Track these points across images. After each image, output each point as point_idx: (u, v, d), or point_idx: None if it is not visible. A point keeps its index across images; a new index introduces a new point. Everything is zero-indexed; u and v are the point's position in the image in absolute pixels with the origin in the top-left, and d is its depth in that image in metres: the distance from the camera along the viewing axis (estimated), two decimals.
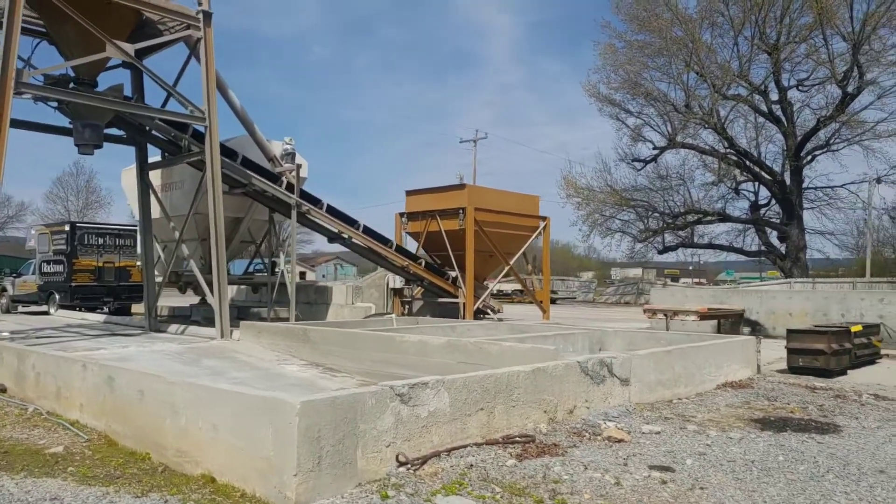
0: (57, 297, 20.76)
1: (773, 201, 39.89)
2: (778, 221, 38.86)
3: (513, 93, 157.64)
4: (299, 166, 15.07)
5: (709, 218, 38.56)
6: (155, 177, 17.65)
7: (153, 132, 13.32)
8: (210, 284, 12.87)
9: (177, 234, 14.16)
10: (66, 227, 20.84)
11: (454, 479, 4.52)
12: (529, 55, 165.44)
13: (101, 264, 21.06)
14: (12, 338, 11.88)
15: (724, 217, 38.32)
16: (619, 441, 5.63)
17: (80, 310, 20.39)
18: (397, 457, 4.70)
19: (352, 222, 16.21)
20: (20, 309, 22.92)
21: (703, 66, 35.78)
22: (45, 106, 12.38)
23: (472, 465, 4.86)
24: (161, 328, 14.43)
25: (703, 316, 13.83)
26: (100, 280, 21.01)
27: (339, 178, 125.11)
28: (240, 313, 16.98)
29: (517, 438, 5.50)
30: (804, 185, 37.81)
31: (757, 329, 16.46)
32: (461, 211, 17.67)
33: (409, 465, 4.66)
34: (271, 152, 15.54)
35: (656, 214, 39.65)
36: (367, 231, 16.61)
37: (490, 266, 19.54)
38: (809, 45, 34.80)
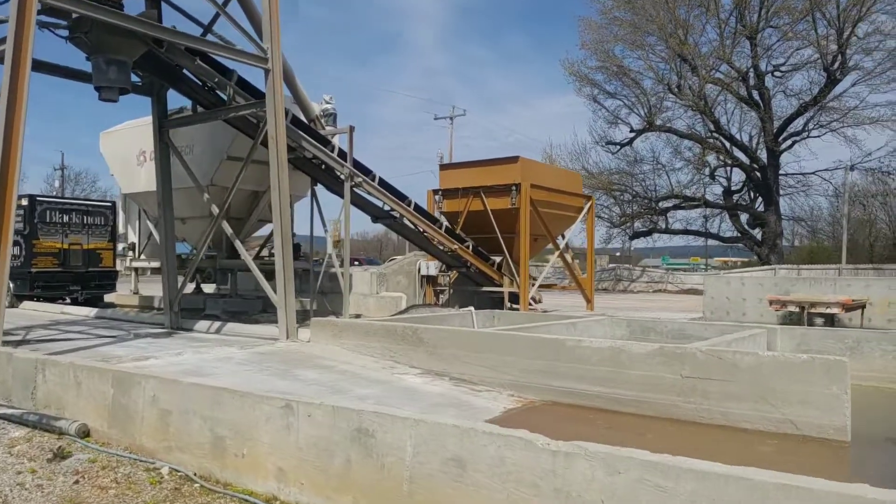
0: (12, 285, 17.18)
1: (745, 187, 39.76)
2: (753, 207, 38.70)
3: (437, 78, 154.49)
4: (352, 128, 12.48)
5: (689, 203, 37.90)
6: (148, 141, 14.61)
7: (187, 77, 10.44)
8: (268, 275, 10.24)
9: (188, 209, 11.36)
10: (24, 202, 17.24)
11: None
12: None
13: (66, 246, 17.61)
14: (16, 342, 8.90)
15: (705, 203, 37.74)
16: None
17: (38, 300, 16.95)
18: None
19: (402, 198, 13.77)
20: None
21: (688, 47, 34.85)
22: (51, 42, 9.35)
23: None
24: (184, 325, 11.61)
25: (848, 308, 12.25)
26: (65, 265, 17.58)
27: None
28: (265, 305, 14.26)
29: None
30: (780, 171, 37.73)
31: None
32: (514, 188, 15.49)
33: None
34: (313, 112, 12.90)
35: (637, 199, 38.71)
36: (418, 209, 14.21)
37: (533, 250, 17.49)
38: (791, 30, 34.48)
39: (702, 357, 6.20)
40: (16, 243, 17.03)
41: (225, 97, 10.46)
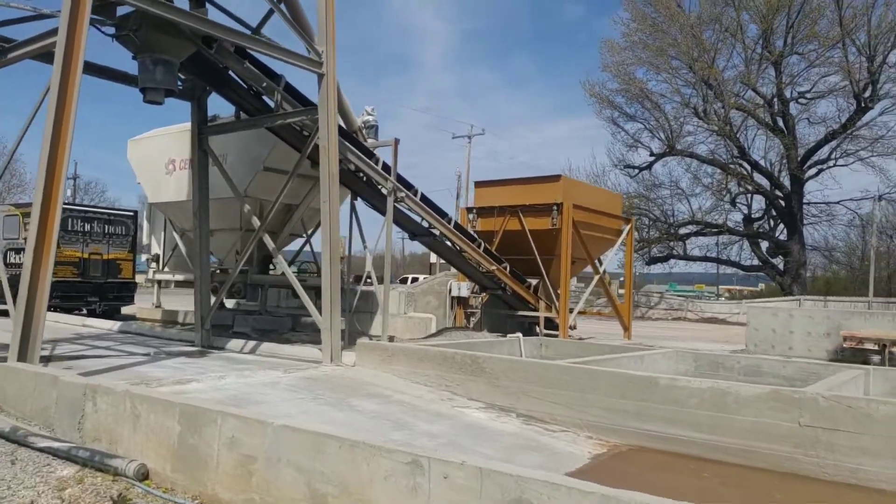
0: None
1: (766, 215, 39.13)
2: (775, 236, 38.06)
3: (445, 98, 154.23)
4: (397, 141, 11.91)
5: (711, 229, 37.24)
6: (177, 149, 14.08)
7: (234, 81, 9.87)
8: (312, 291, 9.61)
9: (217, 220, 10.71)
10: None
11: None
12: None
13: (86, 256, 17.01)
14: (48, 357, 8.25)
15: (728, 230, 37.08)
16: None
17: (55, 310, 16.30)
18: None
19: (443, 214, 13.17)
20: None
21: (715, 71, 34.43)
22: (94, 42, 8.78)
23: None
24: (215, 343, 10.95)
25: None
26: (84, 275, 16.96)
27: None
28: (294, 324, 13.61)
29: None
30: (804, 200, 37.11)
31: None
32: (555, 207, 14.89)
33: None
34: (356, 124, 12.32)
35: (656, 223, 38.08)
36: (458, 227, 13.60)
37: (570, 273, 16.84)
38: (818, 57, 34.09)
39: (824, 404, 5.52)
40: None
41: (272, 104, 9.89)
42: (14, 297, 16.92)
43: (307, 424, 3.89)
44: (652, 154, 39.26)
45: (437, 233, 13.17)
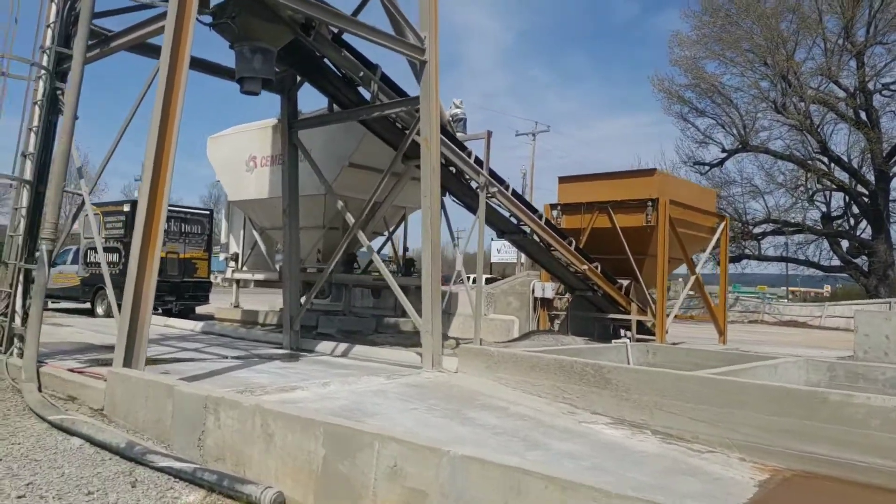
0: (110, 293, 16.53)
1: (846, 213, 37.02)
2: (857, 234, 35.98)
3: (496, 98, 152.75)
4: (490, 133, 11.26)
5: (790, 228, 35.42)
6: (258, 146, 13.74)
7: (330, 72, 9.36)
8: (407, 290, 9.03)
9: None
10: (126, 207, 16.67)
11: None
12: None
13: (163, 255, 16.81)
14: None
15: (808, 229, 35.21)
16: None
17: None
18: None
19: (534, 210, 12.45)
20: (50, 305, 18.54)
21: (794, 63, 32.67)
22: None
23: None
24: (304, 345, 10.50)
25: None
26: (162, 274, 16.72)
27: None
28: (377, 324, 13.09)
29: None
30: (890, 196, 34.91)
31: None
32: (649, 203, 13.97)
33: None
34: (445, 117, 11.73)
35: (732, 223, 36.42)
36: (549, 224, 12.85)
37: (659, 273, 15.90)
38: None
39: None
40: (115, 250, 16.45)
41: (368, 95, 9.34)
42: (94, 293, 16.88)
43: (492, 455, 3.23)
44: (724, 150, 37.66)
45: (527, 230, 12.46)
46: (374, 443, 3.59)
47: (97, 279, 16.96)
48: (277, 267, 15.37)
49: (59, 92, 8.54)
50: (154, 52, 9.06)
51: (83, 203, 8.54)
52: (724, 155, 37.86)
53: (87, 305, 17.37)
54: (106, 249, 16.59)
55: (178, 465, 4.40)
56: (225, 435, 4.47)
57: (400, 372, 8.45)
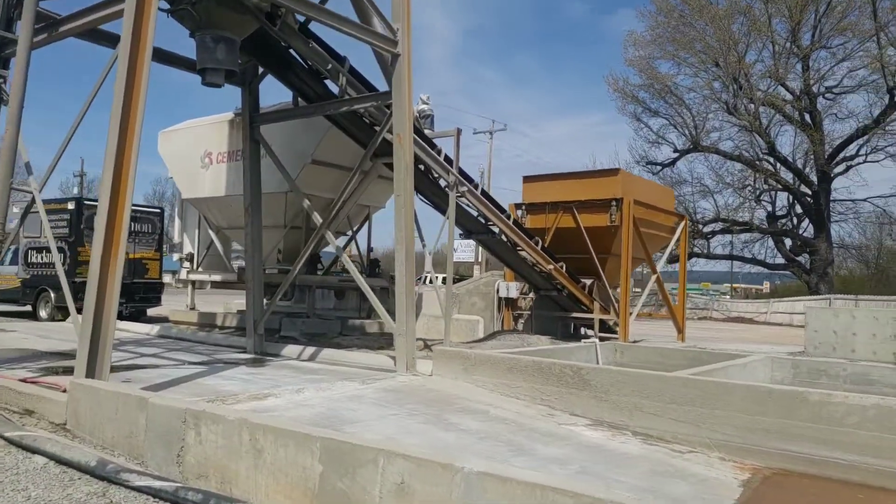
0: (53, 295, 15.75)
1: (790, 213, 38.28)
2: (800, 233, 37.24)
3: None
4: (459, 131, 11.07)
5: (738, 227, 36.41)
6: (215, 141, 13.24)
7: (296, 64, 9.00)
8: (387, 293, 8.77)
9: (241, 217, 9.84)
10: (70, 206, 15.86)
11: None
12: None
13: None
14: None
15: (757, 228, 36.24)
16: None
17: (79, 312, 15.43)
18: None
19: (502, 210, 12.33)
20: None
21: (745, 65, 33.58)
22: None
23: None
24: (269, 349, 10.12)
25: None
26: None
27: None
28: (342, 327, 12.75)
29: None
30: (831, 197, 36.24)
31: None
32: (613, 203, 14.03)
33: None
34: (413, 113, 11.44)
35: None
36: (517, 224, 12.75)
37: (619, 273, 16.00)
38: (848, 52, 33.25)
39: None
40: (59, 250, 15.62)
41: (336, 89, 9.03)
42: (36, 295, 15.99)
43: (511, 471, 3.04)
44: (676, 150, 38.48)
45: (496, 230, 12.33)
46: (379, 458, 3.36)
47: (39, 280, 16.09)
48: (235, 267, 14.84)
49: (1, 80, 7.99)
50: (106, 39, 8.59)
51: (33, 201, 7.99)
52: (676, 155, 38.71)
53: (29, 308, 16.45)
54: (48, 250, 15.76)
55: (157, 483, 4.06)
56: (207, 451, 4.16)
57: (373, 376, 8.19)
